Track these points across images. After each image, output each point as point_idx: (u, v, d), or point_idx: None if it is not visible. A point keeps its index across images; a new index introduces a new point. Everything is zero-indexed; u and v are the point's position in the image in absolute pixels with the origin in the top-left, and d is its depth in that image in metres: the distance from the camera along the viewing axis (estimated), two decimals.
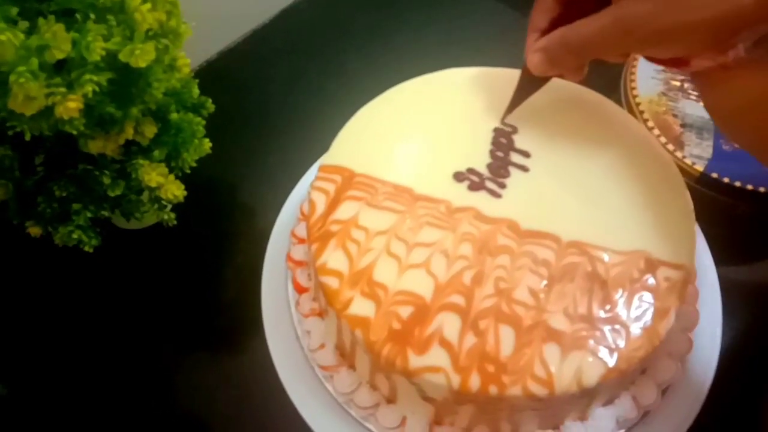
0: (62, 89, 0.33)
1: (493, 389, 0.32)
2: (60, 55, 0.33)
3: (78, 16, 0.35)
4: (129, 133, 0.40)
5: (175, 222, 0.46)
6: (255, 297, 0.44)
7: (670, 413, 0.38)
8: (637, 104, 0.53)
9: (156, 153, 0.43)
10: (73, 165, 0.42)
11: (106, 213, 0.44)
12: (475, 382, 0.32)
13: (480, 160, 0.40)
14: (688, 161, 0.50)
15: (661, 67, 0.55)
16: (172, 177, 0.43)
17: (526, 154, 0.40)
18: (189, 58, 0.44)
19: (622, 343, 0.33)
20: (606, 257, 0.36)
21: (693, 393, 0.39)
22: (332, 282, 0.36)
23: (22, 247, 0.45)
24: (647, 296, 0.35)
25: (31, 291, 0.50)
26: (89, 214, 0.42)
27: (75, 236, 0.42)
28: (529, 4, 0.36)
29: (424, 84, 0.44)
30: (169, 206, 0.45)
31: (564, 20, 0.34)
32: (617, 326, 0.34)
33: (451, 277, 0.35)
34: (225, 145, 0.48)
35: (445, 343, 0.33)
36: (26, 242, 0.43)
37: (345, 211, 0.38)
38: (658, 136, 0.51)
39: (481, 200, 0.38)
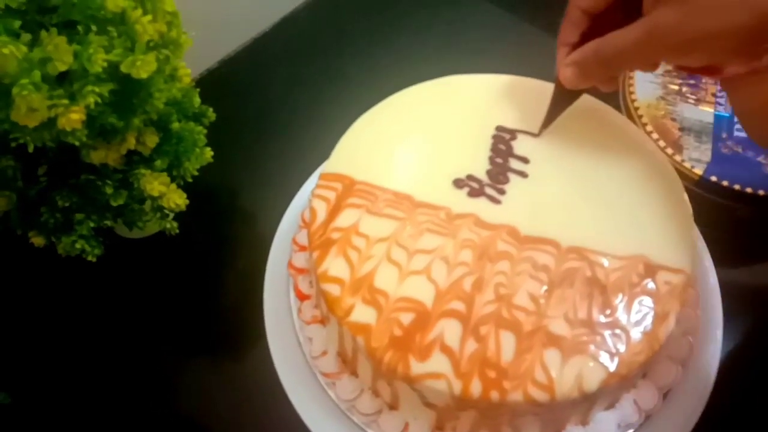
0: (64, 101, 0.34)
1: (494, 395, 0.32)
2: (62, 67, 0.33)
3: (79, 28, 0.35)
4: (131, 143, 0.40)
5: (177, 230, 0.46)
6: (257, 304, 0.44)
7: (672, 417, 0.38)
8: (636, 109, 0.53)
9: (158, 162, 0.43)
10: (75, 175, 0.42)
11: (108, 222, 0.44)
12: (476, 387, 0.33)
13: (479, 167, 0.40)
14: (687, 165, 0.50)
15: (659, 71, 0.55)
16: (174, 186, 0.43)
17: (525, 160, 0.41)
18: (190, 67, 0.44)
19: (622, 348, 0.34)
20: (605, 262, 0.36)
21: (695, 397, 0.39)
22: (333, 289, 0.36)
23: (25, 257, 0.46)
24: (647, 301, 0.35)
25: (35, 300, 0.50)
26: (92, 224, 0.42)
27: (78, 246, 0.42)
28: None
29: (422, 91, 0.44)
30: (172, 215, 0.45)
31: (593, 33, 0.35)
32: (617, 331, 0.34)
33: (451, 283, 0.36)
34: (226, 153, 0.49)
35: (446, 350, 0.34)
36: (30, 252, 0.43)
37: (346, 218, 0.38)
38: (657, 140, 0.52)
39: (480, 207, 0.39)
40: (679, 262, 0.36)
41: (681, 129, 0.53)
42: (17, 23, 0.33)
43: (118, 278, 0.50)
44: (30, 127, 0.34)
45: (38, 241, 0.43)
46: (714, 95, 0.55)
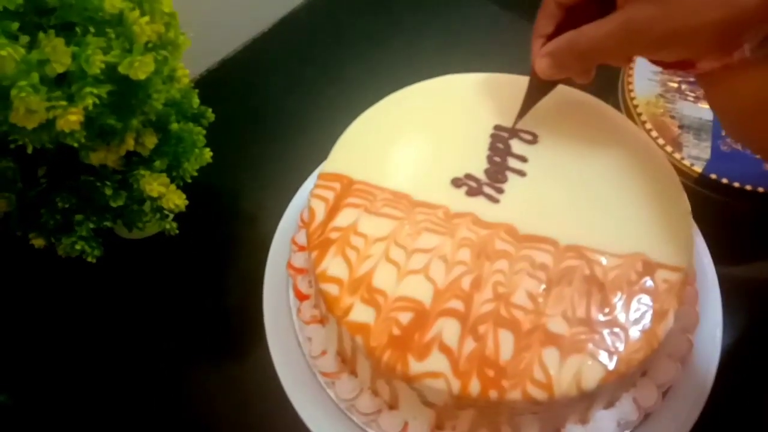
0: (63, 102, 0.34)
1: (493, 394, 0.32)
2: (60, 69, 0.33)
3: (77, 29, 0.35)
4: (130, 144, 0.40)
5: (177, 231, 0.46)
6: (257, 304, 0.44)
7: (672, 415, 0.39)
8: (635, 106, 0.53)
9: (157, 163, 0.43)
10: (74, 176, 0.42)
11: (108, 223, 0.44)
12: (475, 386, 0.33)
13: (477, 166, 0.40)
14: (687, 162, 0.50)
15: (658, 69, 0.55)
16: (173, 187, 0.43)
17: (523, 159, 0.41)
18: (189, 68, 0.44)
19: (621, 346, 0.34)
20: (604, 260, 0.36)
21: (694, 394, 0.39)
22: (332, 289, 0.36)
23: (25, 258, 0.46)
24: (645, 298, 0.35)
25: (36, 301, 0.50)
26: (92, 225, 0.43)
27: (78, 247, 0.42)
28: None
29: (420, 91, 0.44)
30: (171, 216, 0.46)
31: (568, 25, 0.34)
32: (616, 329, 0.34)
33: (450, 282, 0.36)
34: (225, 153, 0.49)
35: (444, 349, 0.34)
36: (30, 254, 0.44)
37: (344, 218, 0.38)
38: (656, 137, 0.52)
39: (479, 205, 0.39)
40: (677, 259, 0.36)
41: (680, 126, 0.53)
42: (15, 25, 0.33)
43: (118, 279, 0.50)
44: (29, 128, 0.34)
45: (38, 242, 0.43)
46: None
